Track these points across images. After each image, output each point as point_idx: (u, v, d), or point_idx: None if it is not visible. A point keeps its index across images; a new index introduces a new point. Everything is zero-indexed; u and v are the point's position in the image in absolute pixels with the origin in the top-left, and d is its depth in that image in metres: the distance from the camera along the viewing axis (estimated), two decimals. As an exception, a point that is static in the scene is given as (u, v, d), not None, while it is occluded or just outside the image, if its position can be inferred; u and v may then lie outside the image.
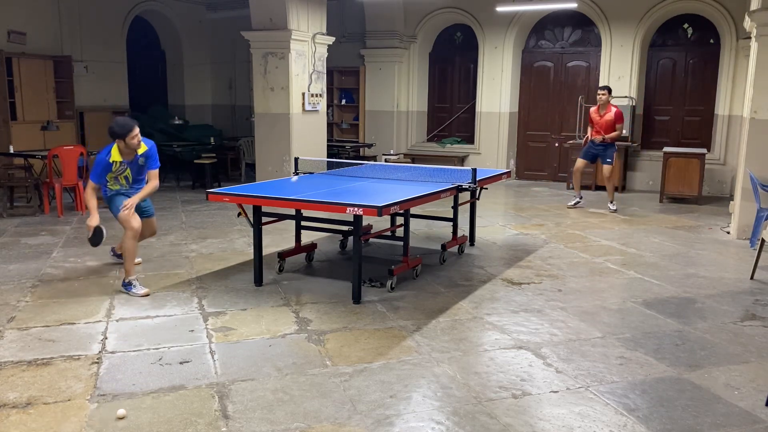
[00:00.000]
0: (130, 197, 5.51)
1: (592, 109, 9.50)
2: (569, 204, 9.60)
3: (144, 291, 5.34)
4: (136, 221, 5.43)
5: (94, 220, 5.36)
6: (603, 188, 10.85)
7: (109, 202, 5.62)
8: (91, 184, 5.45)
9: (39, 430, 3.18)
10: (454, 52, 13.15)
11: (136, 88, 13.46)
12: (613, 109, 9.26)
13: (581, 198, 9.64)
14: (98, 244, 5.49)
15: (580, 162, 9.57)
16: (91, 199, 5.44)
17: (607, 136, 9.22)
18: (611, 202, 9.38)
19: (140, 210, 5.65)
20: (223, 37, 14.12)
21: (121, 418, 3.29)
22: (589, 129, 9.59)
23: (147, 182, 5.62)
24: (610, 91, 9.41)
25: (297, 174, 6.70)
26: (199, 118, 14.34)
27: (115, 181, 5.54)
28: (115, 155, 5.41)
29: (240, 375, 3.81)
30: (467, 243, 7.01)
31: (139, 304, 5.08)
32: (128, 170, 5.52)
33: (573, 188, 9.91)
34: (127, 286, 5.39)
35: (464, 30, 12.83)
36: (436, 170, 6.83)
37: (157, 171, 5.60)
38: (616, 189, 10.84)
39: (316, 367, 3.94)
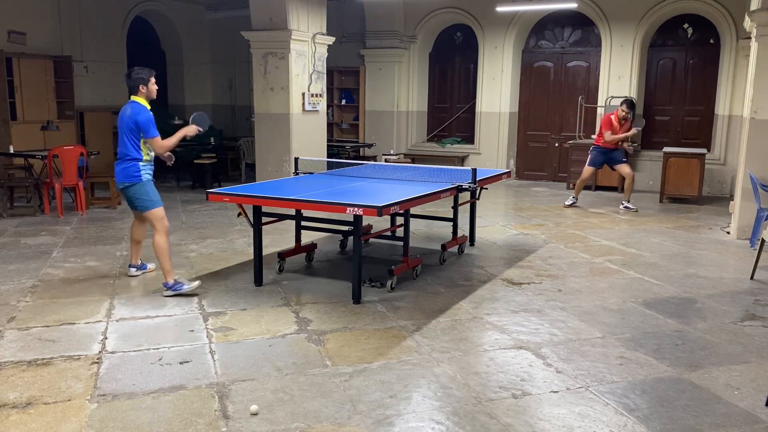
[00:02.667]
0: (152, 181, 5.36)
1: (613, 116, 9.31)
2: (566, 203, 9.64)
3: (196, 284, 5.27)
4: (165, 219, 5.35)
5: (188, 129, 5.31)
6: (603, 188, 10.91)
7: (143, 191, 5.27)
8: (158, 139, 5.17)
9: (39, 430, 3.18)
10: (454, 52, 13.14)
11: (136, 88, 13.43)
12: (629, 122, 9.32)
13: (577, 200, 9.69)
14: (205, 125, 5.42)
15: (589, 170, 9.54)
16: (170, 138, 5.19)
17: (617, 138, 9.26)
18: (629, 201, 9.41)
19: (133, 204, 5.42)
20: (223, 37, 14.12)
21: (254, 414, 3.33)
22: (608, 133, 9.28)
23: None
24: (634, 109, 9.46)
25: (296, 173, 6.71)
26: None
27: (148, 148, 5.26)
28: (146, 104, 5.23)
29: (240, 375, 3.81)
30: (467, 243, 7.01)
31: (139, 304, 5.08)
32: None
33: (573, 189, 9.91)
34: (175, 286, 5.21)
35: (464, 30, 12.83)
36: (436, 170, 6.83)
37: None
38: (615, 189, 10.90)
39: (316, 367, 3.94)
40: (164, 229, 5.33)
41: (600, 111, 11.30)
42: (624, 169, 9.45)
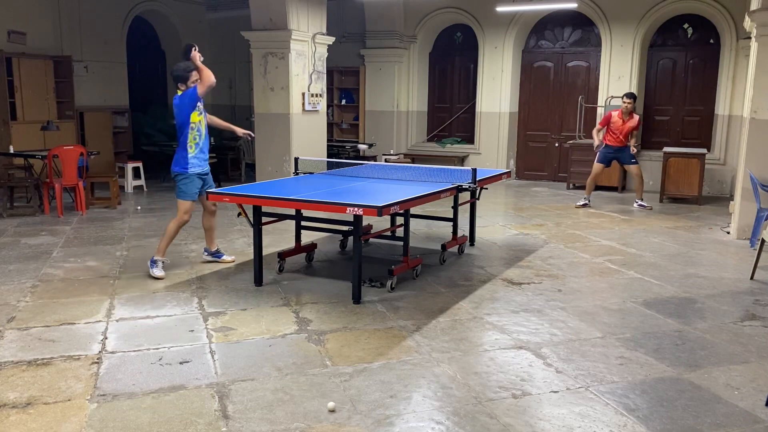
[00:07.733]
0: (205, 182, 5.93)
1: (616, 113, 9.43)
2: (578, 204, 9.62)
3: (161, 274, 5.71)
4: (188, 215, 5.81)
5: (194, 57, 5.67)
6: (603, 188, 10.89)
7: (184, 181, 5.77)
8: (202, 79, 5.64)
9: (39, 430, 3.18)
10: (454, 52, 13.14)
11: (136, 88, 13.44)
12: (636, 117, 9.40)
13: (589, 201, 9.68)
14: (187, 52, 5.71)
15: (598, 167, 9.61)
16: (200, 67, 5.70)
17: (631, 143, 9.42)
18: (642, 199, 9.50)
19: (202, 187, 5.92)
20: (223, 37, 14.12)
21: (332, 411, 3.37)
22: (600, 133, 9.55)
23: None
24: (635, 99, 9.48)
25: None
26: (199, 119, 14.33)
27: (197, 134, 5.74)
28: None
29: (240, 375, 3.81)
30: (467, 243, 7.01)
31: (139, 304, 5.08)
32: (203, 118, 5.79)
33: (574, 188, 9.92)
34: (152, 263, 5.76)
35: (464, 30, 12.82)
36: (436, 170, 6.83)
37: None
38: (615, 189, 10.91)
39: (316, 367, 3.94)
40: (182, 220, 5.80)
41: (600, 111, 11.30)
42: (632, 169, 9.56)
